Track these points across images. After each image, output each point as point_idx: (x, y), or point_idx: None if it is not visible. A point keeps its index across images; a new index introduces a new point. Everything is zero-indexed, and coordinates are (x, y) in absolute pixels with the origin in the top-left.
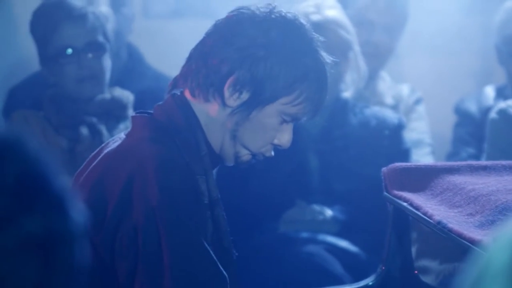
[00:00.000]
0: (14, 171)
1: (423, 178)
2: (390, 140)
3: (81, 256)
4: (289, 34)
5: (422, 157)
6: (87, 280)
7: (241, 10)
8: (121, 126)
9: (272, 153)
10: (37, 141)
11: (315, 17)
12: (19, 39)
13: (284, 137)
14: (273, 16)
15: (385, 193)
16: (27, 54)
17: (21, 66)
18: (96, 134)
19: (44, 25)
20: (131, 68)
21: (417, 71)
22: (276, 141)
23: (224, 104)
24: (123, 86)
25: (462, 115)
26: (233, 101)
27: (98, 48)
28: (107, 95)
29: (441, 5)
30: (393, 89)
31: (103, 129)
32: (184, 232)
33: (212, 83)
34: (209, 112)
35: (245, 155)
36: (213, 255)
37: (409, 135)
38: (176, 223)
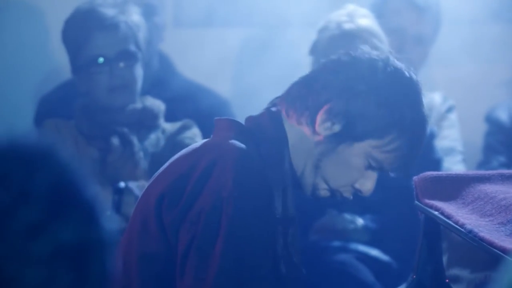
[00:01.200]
0: (47, 180)
1: (454, 187)
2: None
3: (111, 265)
4: (396, 80)
5: (453, 165)
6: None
7: (360, 50)
8: (152, 136)
9: (351, 196)
10: (69, 150)
11: (347, 26)
12: (51, 48)
13: (367, 184)
14: (387, 62)
15: (416, 201)
16: (59, 63)
17: (52, 75)
18: (127, 144)
19: (76, 34)
20: (162, 77)
21: (449, 80)
22: (357, 186)
23: (314, 131)
24: (154, 95)
25: (493, 123)
26: (323, 130)
27: (129, 57)
28: (138, 105)
29: (474, 13)
30: (425, 97)
31: (134, 139)
32: (244, 226)
33: (308, 106)
34: (299, 134)
35: (323, 189)
36: (267, 259)
37: (441, 143)
38: (239, 216)
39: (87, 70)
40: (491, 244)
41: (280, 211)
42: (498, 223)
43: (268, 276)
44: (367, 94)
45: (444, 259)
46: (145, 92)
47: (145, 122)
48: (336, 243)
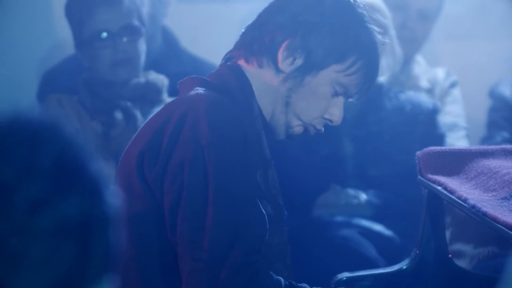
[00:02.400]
0: (50, 154)
1: (457, 162)
2: (425, 125)
3: (116, 239)
4: (342, 5)
5: (456, 141)
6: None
7: None
8: (156, 110)
9: (323, 128)
10: (72, 125)
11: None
12: (54, 23)
13: (335, 112)
14: None
15: (419, 176)
16: (62, 38)
17: (55, 50)
18: (130, 119)
19: (79, 9)
20: (166, 52)
21: (453, 55)
22: (327, 116)
23: (277, 70)
24: (158, 70)
25: (496, 99)
26: (286, 66)
27: (133, 32)
28: (141, 79)
29: None
30: (429, 72)
31: (137, 113)
32: (230, 171)
33: (266, 49)
34: (262, 78)
35: (296, 126)
36: (254, 195)
37: (444, 119)
38: (223, 162)
39: (91, 45)
40: (494, 219)
41: (257, 154)
42: (501, 198)
43: (259, 216)
44: (319, 23)
45: (447, 234)
46: (149, 67)
47: (148, 96)
48: (339, 218)
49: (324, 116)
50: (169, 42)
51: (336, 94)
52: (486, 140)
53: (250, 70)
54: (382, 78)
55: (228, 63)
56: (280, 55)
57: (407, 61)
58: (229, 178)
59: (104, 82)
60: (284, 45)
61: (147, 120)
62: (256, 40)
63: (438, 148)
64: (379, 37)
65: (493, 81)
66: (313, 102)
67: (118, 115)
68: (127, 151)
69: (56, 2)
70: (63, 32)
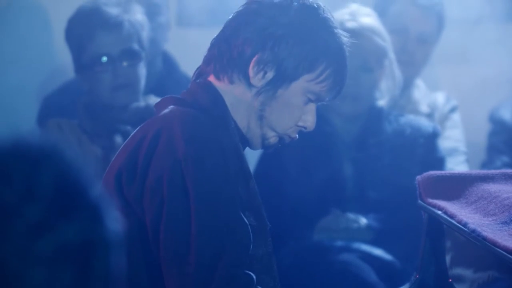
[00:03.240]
0: (52, 179)
1: (457, 186)
2: (425, 149)
3: (116, 263)
4: (307, 13)
5: (456, 165)
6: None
7: None
8: None
9: (297, 135)
10: (72, 149)
11: (350, 24)
12: (54, 47)
13: (309, 118)
14: None
15: (420, 201)
16: (62, 63)
17: (56, 75)
18: None
19: (80, 33)
20: (166, 76)
21: (453, 79)
22: (301, 123)
23: (249, 85)
24: (158, 94)
25: (496, 123)
26: (258, 81)
27: (133, 56)
28: (141, 103)
29: (478, 12)
30: (428, 97)
31: None
32: (210, 182)
33: (236, 64)
34: (234, 93)
35: (272, 137)
36: (236, 205)
37: (444, 143)
38: (202, 174)
39: (91, 69)
40: (494, 243)
41: (237, 166)
42: (501, 223)
43: (243, 227)
44: (287, 35)
45: (447, 258)
46: (149, 91)
47: None
48: (340, 243)
49: (298, 124)
50: (169, 67)
51: (308, 101)
52: (486, 164)
53: (221, 86)
54: (382, 102)
55: (199, 80)
56: (251, 70)
57: (407, 85)
58: (209, 190)
59: (104, 106)
60: (254, 60)
61: (125, 142)
62: (225, 54)
63: (438, 172)
64: (345, 39)
65: (492, 105)
66: (286, 113)
67: (118, 139)
68: (107, 172)
69: (56, 27)
70: (63, 56)
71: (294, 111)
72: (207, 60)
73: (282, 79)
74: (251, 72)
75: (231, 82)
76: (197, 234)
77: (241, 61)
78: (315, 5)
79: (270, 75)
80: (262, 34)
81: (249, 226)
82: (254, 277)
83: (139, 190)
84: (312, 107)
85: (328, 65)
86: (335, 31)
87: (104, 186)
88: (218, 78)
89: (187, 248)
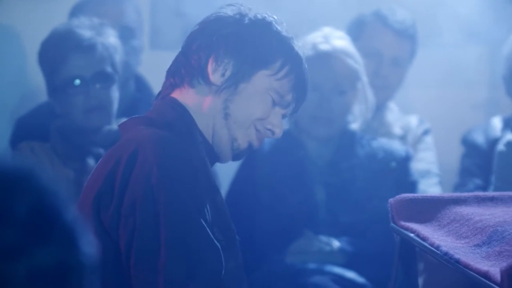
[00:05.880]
0: (26, 202)
1: (430, 209)
2: (397, 172)
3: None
4: (259, 22)
5: (429, 188)
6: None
7: (218, 11)
8: None
9: (265, 140)
10: (46, 172)
11: (323, 47)
12: (27, 70)
13: (275, 122)
14: (242, 11)
15: (392, 224)
16: (34, 85)
17: (29, 97)
18: None
19: (53, 55)
20: (139, 99)
21: (425, 102)
22: (269, 126)
23: (210, 84)
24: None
25: (469, 146)
26: (218, 78)
27: (106, 79)
28: (114, 126)
29: (449, 36)
30: (402, 119)
31: None
32: (181, 209)
33: (195, 70)
34: (197, 99)
35: (240, 137)
36: (209, 232)
37: (417, 166)
38: (173, 201)
39: (63, 92)
40: (466, 266)
41: (205, 182)
42: (474, 245)
43: (214, 252)
44: (239, 34)
45: (420, 281)
46: (122, 114)
47: None
48: (312, 265)
49: (265, 125)
50: (142, 89)
51: (274, 103)
52: (458, 187)
53: (184, 97)
54: (354, 125)
55: (161, 99)
56: (210, 69)
57: (380, 108)
58: (180, 217)
59: (76, 129)
60: (210, 59)
61: (96, 165)
62: (183, 65)
63: (410, 195)
64: (301, 49)
65: (464, 128)
66: (251, 106)
67: (91, 161)
68: (82, 196)
69: (29, 49)
70: (36, 79)
71: (259, 105)
72: (167, 79)
73: (241, 73)
74: (210, 71)
75: (192, 86)
76: (166, 262)
77: (198, 65)
78: (266, 16)
79: (228, 72)
80: (214, 37)
81: (220, 251)
82: None
83: (115, 216)
84: (278, 111)
85: (285, 63)
86: (289, 37)
87: (80, 210)
88: (178, 87)
89: (156, 275)
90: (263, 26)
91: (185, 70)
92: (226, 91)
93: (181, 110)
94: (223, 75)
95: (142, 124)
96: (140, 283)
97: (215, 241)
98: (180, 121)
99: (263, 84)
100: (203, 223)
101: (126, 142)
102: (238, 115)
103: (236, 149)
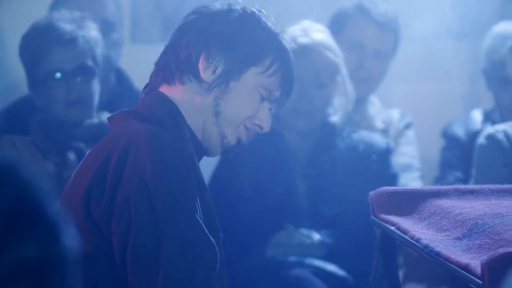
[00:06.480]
0: (8, 196)
1: (410, 202)
2: (378, 165)
3: (73, 281)
4: (248, 16)
5: (411, 181)
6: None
7: (204, 6)
8: None
9: (251, 135)
10: (27, 166)
11: (302, 40)
12: (8, 63)
13: (263, 117)
14: (232, 5)
15: (373, 216)
16: (15, 79)
17: (10, 90)
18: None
19: (34, 49)
20: (120, 93)
21: (405, 95)
22: (257, 121)
23: (200, 82)
24: (112, 110)
25: (449, 139)
26: (209, 76)
27: (87, 72)
28: (95, 120)
29: (429, 29)
30: (383, 113)
31: None
32: (177, 204)
33: (185, 66)
34: (187, 96)
35: (230, 134)
36: (203, 226)
37: (399, 159)
38: (169, 196)
39: (44, 85)
40: (447, 259)
41: (195, 180)
42: (454, 238)
43: (211, 247)
44: (229, 32)
45: (400, 274)
46: (102, 107)
47: (101, 137)
48: (293, 258)
49: (254, 121)
50: (123, 83)
51: (262, 99)
52: (439, 180)
53: (173, 92)
54: (335, 118)
55: (150, 93)
56: (201, 67)
57: (362, 101)
58: (177, 212)
59: (57, 122)
60: (202, 57)
61: (84, 159)
62: (172, 60)
63: (391, 188)
64: (288, 43)
65: (445, 121)
66: (241, 104)
67: (71, 156)
68: (69, 192)
69: (10, 43)
70: (17, 72)
71: (248, 104)
72: (155, 72)
73: (232, 71)
74: (201, 68)
75: (182, 83)
76: (166, 257)
77: (189, 62)
78: (255, 11)
79: (219, 69)
80: (205, 33)
81: (215, 246)
82: None
83: (106, 211)
84: (266, 106)
85: (275, 59)
86: (277, 32)
87: (69, 205)
88: (168, 84)
89: (155, 271)
90: (252, 22)
91: (175, 65)
92: (216, 89)
93: (170, 106)
94: (213, 72)
95: (131, 119)
96: (138, 279)
97: (210, 237)
98: (169, 117)
99: (253, 80)
100: (199, 219)
101: (116, 137)
102: (228, 113)
103: (226, 146)
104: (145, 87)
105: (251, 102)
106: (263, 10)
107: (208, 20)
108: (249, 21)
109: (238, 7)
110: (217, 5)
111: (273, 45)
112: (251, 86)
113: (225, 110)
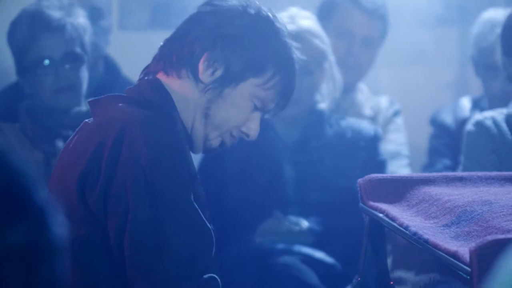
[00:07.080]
0: None
1: (399, 189)
2: (366, 152)
3: (61, 268)
4: (261, 20)
5: (399, 169)
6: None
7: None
8: None
9: (236, 139)
10: (15, 153)
11: (289, 27)
12: None
13: (252, 126)
14: (248, 5)
15: (361, 204)
16: (4, 65)
17: None
18: None
19: (22, 36)
20: (108, 80)
21: (393, 83)
22: (244, 129)
23: (197, 81)
24: None
25: (438, 126)
26: (207, 77)
27: (75, 59)
28: (83, 108)
29: (417, 16)
30: (372, 100)
31: None
32: (176, 191)
33: (186, 61)
34: (182, 90)
35: (214, 138)
36: (200, 212)
37: (387, 147)
38: (168, 182)
39: (33, 72)
40: (435, 246)
41: (187, 168)
42: (443, 225)
43: (207, 232)
44: (238, 37)
45: (389, 261)
46: (91, 95)
47: None
48: (281, 245)
49: (241, 128)
50: (111, 70)
51: (254, 108)
52: (427, 167)
53: (170, 82)
54: (323, 105)
55: (147, 77)
56: (201, 65)
57: (350, 88)
58: (175, 197)
59: (46, 109)
60: (204, 56)
61: (73, 144)
62: (175, 52)
63: (379, 175)
64: (297, 53)
65: (433, 109)
66: (232, 113)
67: (60, 143)
68: (59, 177)
69: None
70: (5, 59)
71: (240, 113)
72: (157, 58)
73: (230, 78)
74: (200, 68)
75: (179, 77)
76: (166, 242)
77: (190, 58)
78: (270, 14)
79: (218, 73)
80: (213, 33)
81: (212, 231)
82: (219, 280)
83: (101, 196)
84: (257, 115)
85: (276, 73)
86: (288, 42)
87: (59, 190)
88: (166, 73)
89: (155, 256)
90: (264, 29)
91: (177, 58)
92: (211, 92)
93: (165, 95)
94: (212, 74)
95: (121, 102)
96: (136, 263)
97: (206, 220)
98: (162, 104)
99: (249, 90)
100: (193, 202)
101: (109, 121)
102: (217, 118)
103: (208, 148)
104: (145, 69)
105: (243, 112)
106: (276, 15)
107: (219, 18)
108: (260, 27)
109: (253, 8)
110: (234, 1)
111: (278, 57)
112: (246, 96)
113: (215, 114)
